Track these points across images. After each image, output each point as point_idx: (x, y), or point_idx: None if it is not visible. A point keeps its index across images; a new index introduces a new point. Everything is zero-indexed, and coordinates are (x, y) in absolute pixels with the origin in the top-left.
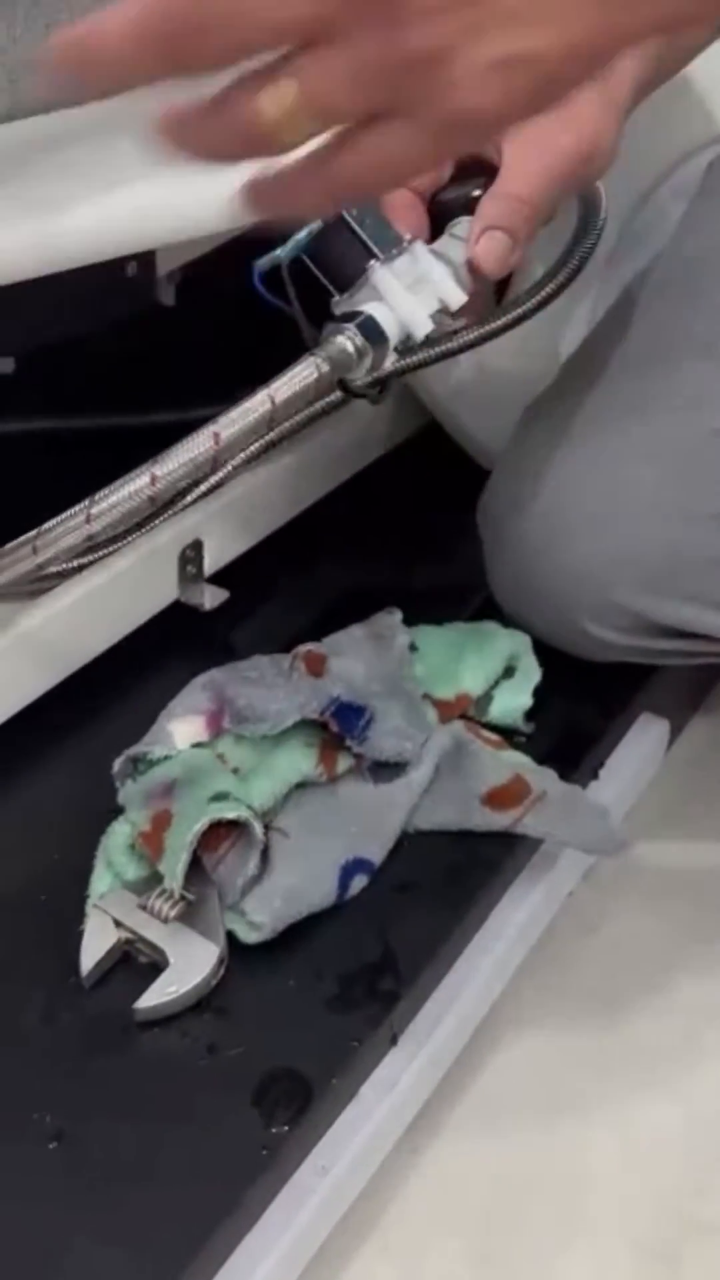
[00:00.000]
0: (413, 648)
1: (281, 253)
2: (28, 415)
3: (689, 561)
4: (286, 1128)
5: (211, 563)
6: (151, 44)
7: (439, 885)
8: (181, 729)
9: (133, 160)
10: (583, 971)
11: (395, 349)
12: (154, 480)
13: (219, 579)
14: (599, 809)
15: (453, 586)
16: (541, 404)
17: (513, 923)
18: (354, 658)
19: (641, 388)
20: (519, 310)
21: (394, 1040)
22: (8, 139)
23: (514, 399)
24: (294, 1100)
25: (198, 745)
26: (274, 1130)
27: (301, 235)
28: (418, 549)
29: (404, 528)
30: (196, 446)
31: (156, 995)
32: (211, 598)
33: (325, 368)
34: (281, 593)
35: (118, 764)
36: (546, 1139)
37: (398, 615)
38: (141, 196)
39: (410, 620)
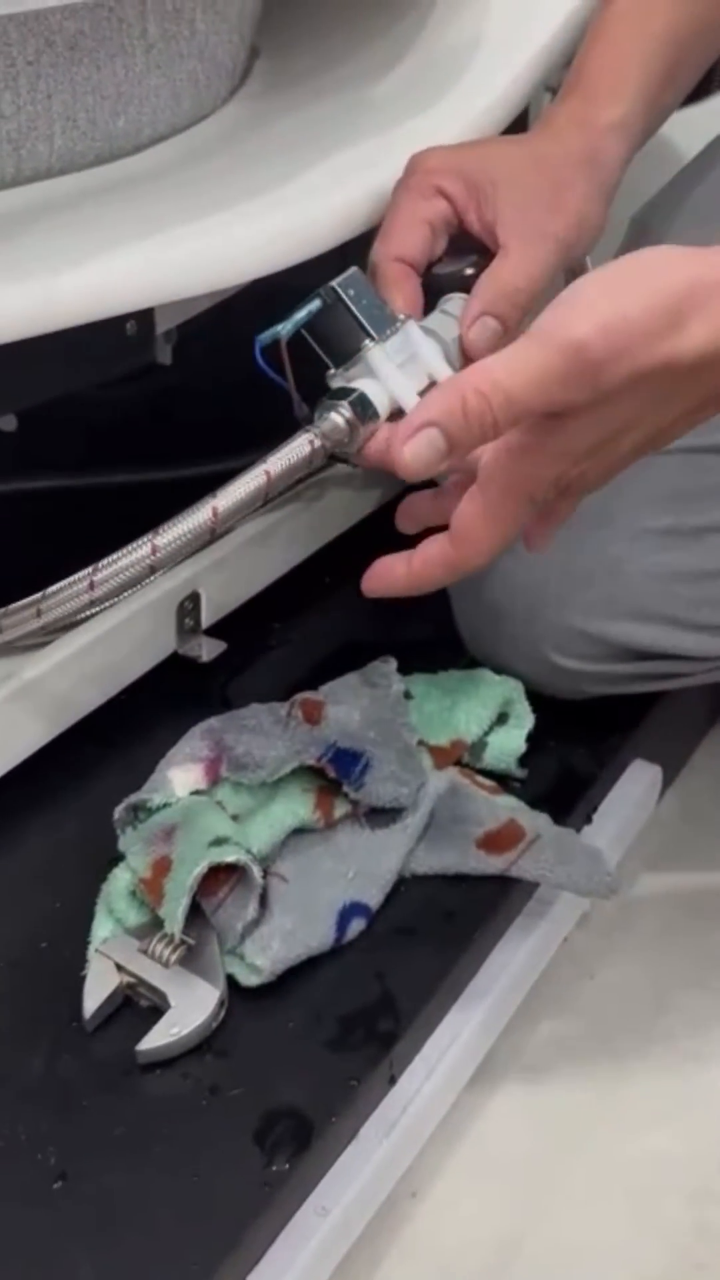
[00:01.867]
0: (408, 695)
1: (282, 329)
2: (26, 473)
3: (636, 578)
4: (287, 1166)
5: (209, 615)
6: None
7: (436, 929)
8: (180, 776)
9: (129, 221)
10: (580, 1015)
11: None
12: (155, 550)
13: (216, 631)
14: (593, 852)
15: (446, 636)
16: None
17: (509, 966)
18: (350, 705)
19: None
20: None
21: (393, 1080)
22: (11, 203)
23: None
24: (294, 1139)
25: (196, 793)
26: (275, 1169)
27: (302, 314)
28: (412, 600)
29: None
30: (196, 518)
31: (158, 1038)
32: (209, 649)
33: (319, 443)
34: (278, 644)
35: (118, 812)
36: (546, 1183)
37: (393, 664)
38: (137, 256)
39: (405, 669)
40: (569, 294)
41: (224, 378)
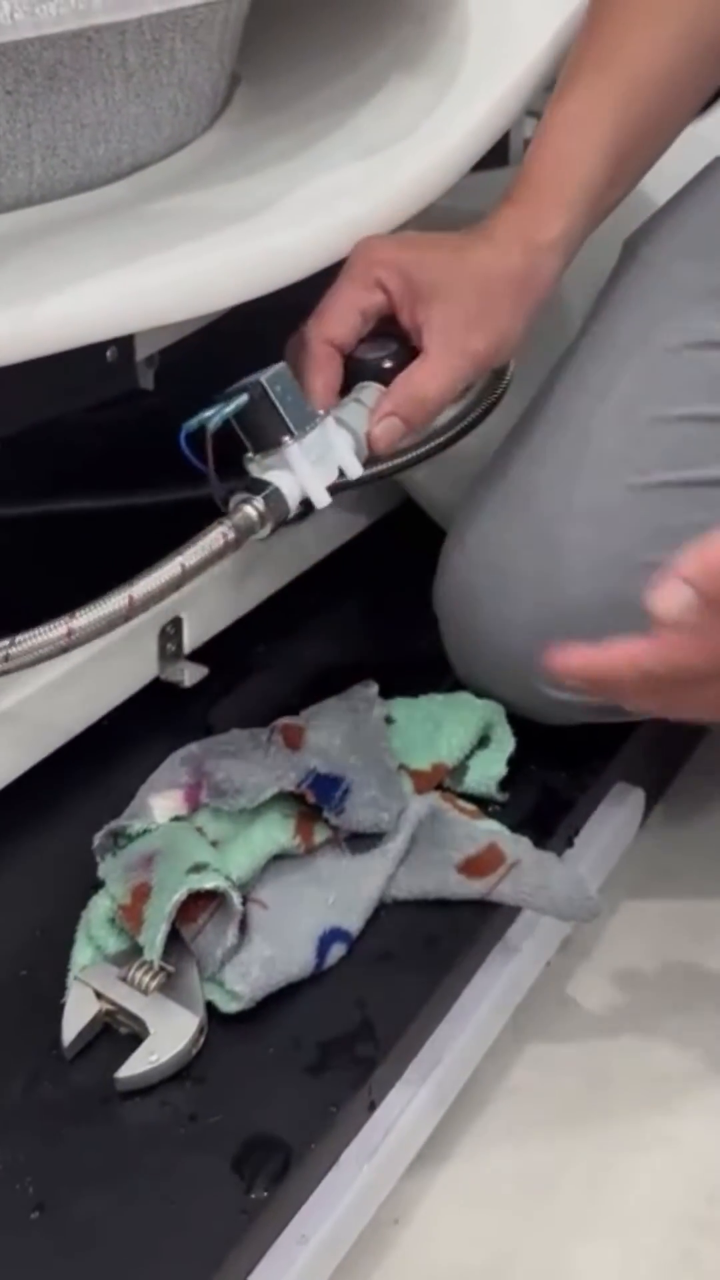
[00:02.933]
0: (389, 719)
1: (209, 420)
2: (4, 500)
3: (631, 613)
4: (266, 1193)
5: (191, 640)
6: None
7: (417, 954)
8: (160, 803)
9: (109, 248)
10: (563, 1040)
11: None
12: (70, 633)
13: (198, 656)
14: (573, 876)
15: (427, 660)
16: (480, 478)
17: (491, 991)
18: (331, 730)
19: (567, 452)
20: (425, 447)
21: (373, 1106)
22: None
23: (469, 463)
24: (274, 1167)
25: (176, 819)
26: (254, 1196)
27: (230, 408)
28: (393, 624)
29: (379, 603)
30: (113, 603)
31: (137, 1065)
32: (191, 674)
33: (232, 535)
34: (260, 668)
35: (98, 838)
36: (528, 1208)
37: (374, 688)
38: (116, 283)
39: (386, 693)
40: None
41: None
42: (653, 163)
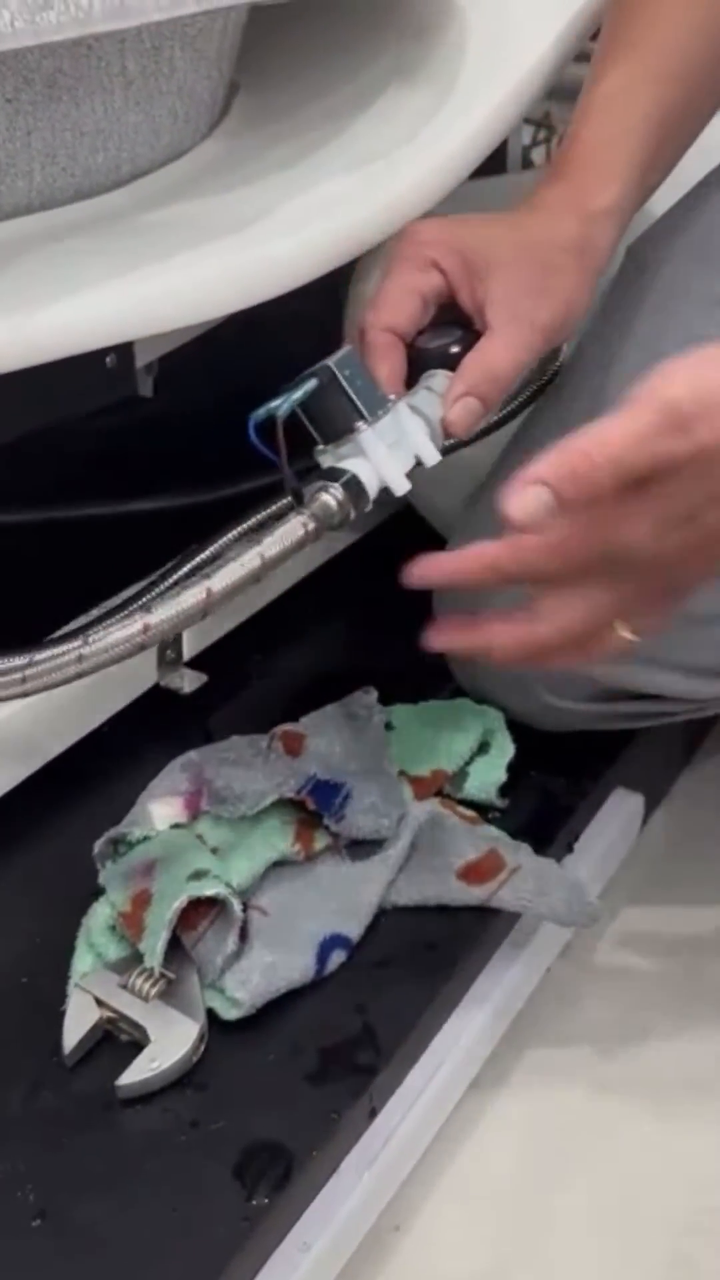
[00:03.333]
0: (388, 726)
1: (279, 407)
2: (4, 507)
3: None
4: (267, 1200)
5: (190, 647)
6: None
7: (417, 960)
8: (160, 810)
9: (108, 256)
10: (563, 1046)
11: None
12: (146, 629)
13: (198, 663)
14: (573, 881)
15: (427, 667)
16: (484, 486)
17: (491, 997)
18: (331, 737)
19: None
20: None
21: (374, 1113)
22: None
23: (470, 473)
24: (275, 1174)
25: (176, 826)
26: (255, 1203)
27: (299, 393)
28: (392, 630)
29: (379, 610)
30: (189, 599)
31: (138, 1072)
32: (191, 681)
33: (311, 525)
34: (260, 675)
35: (98, 846)
36: (531, 1215)
37: (374, 695)
38: (116, 290)
39: (386, 700)
40: (656, 370)
41: (205, 409)
42: (686, 148)
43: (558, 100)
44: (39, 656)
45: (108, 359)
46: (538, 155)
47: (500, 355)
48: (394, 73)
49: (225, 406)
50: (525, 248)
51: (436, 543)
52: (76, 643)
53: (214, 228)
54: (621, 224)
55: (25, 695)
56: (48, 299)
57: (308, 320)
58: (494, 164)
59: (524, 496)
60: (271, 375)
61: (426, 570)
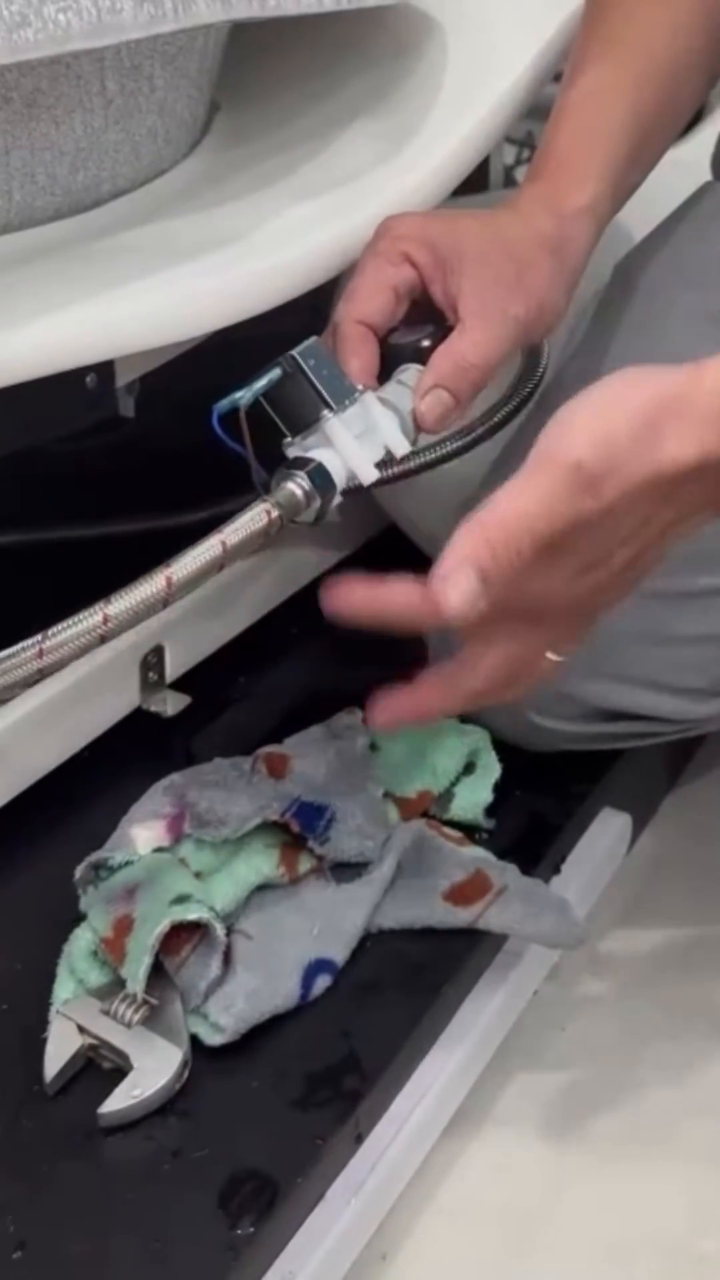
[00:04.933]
0: (373, 747)
1: (241, 397)
2: None
3: (621, 642)
4: (252, 1229)
5: (173, 669)
6: None
7: (403, 984)
8: (143, 834)
9: (88, 275)
10: (551, 1069)
11: (341, 493)
12: (106, 620)
13: (181, 685)
14: (560, 902)
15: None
16: (472, 501)
17: (478, 1021)
18: (315, 758)
19: None
20: (450, 448)
21: (359, 1139)
22: None
23: (457, 490)
24: (260, 1202)
25: (159, 850)
26: (240, 1232)
27: (262, 382)
28: (377, 651)
29: (363, 631)
30: (149, 588)
31: (121, 1100)
32: (174, 704)
33: (275, 513)
34: (243, 697)
35: (80, 871)
36: (517, 1241)
37: (358, 715)
38: (95, 309)
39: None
40: (561, 416)
41: (186, 429)
42: (664, 150)
43: (539, 119)
44: None
45: (88, 378)
46: (520, 174)
47: (471, 348)
48: (374, 92)
49: (205, 427)
50: (498, 243)
51: (421, 563)
52: (36, 638)
53: (194, 246)
54: (598, 223)
55: None
56: (26, 318)
57: (289, 339)
58: (476, 182)
59: (458, 587)
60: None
61: (350, 600)
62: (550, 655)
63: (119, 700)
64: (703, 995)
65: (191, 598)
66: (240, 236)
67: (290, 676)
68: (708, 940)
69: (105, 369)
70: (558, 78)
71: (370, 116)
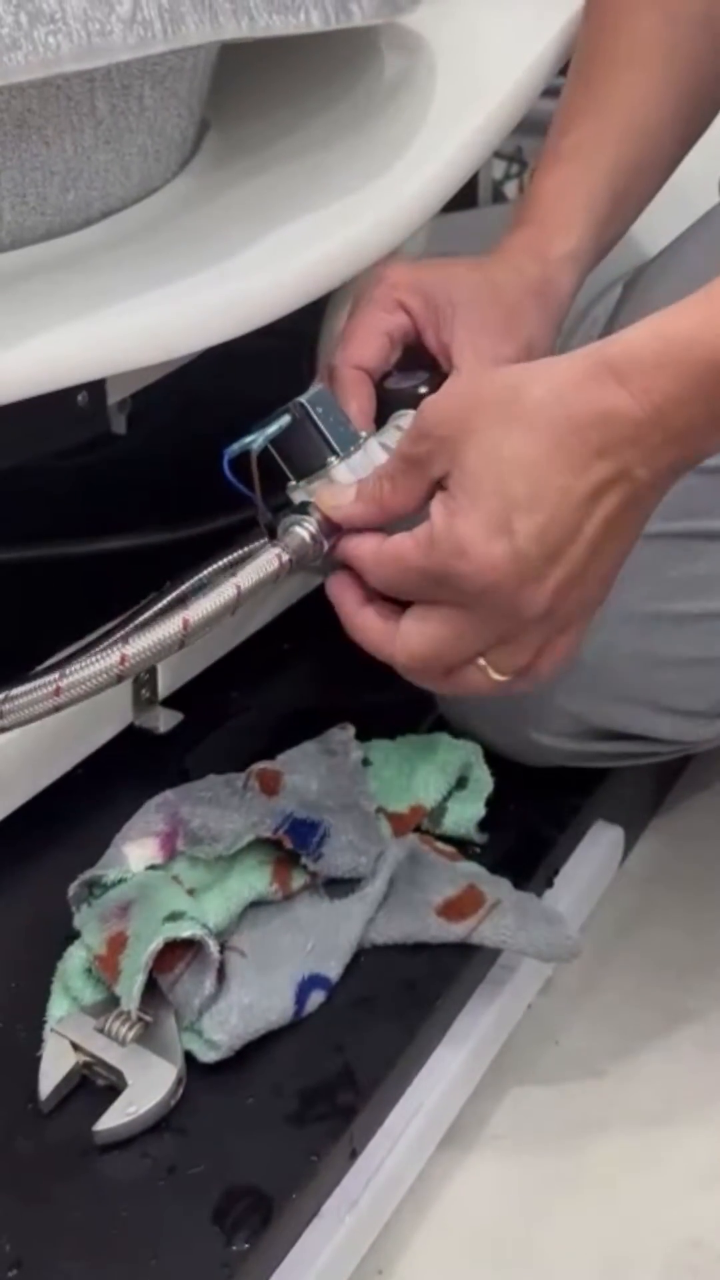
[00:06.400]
0: (366, 762)
1: (252, 442)
2: None
3: (625, 662)
4: (247, 1245)
5: (165, 686)
6: None
7: (397, 999)
8: (136, 851)
9: (78, 294)
10: (546, 1083)
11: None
12: (124, 660)
13: (173, 702)
14: (554, 915)
15: (404, 702)
16: None
17: (473, 1035)
18: (308, 774)
19: None
20: None
21: (354, 1154)
22: None
23: None
24: (255, 1218)
25: (152, 867)
26: (235, 1249)
27: (273, 428)
28: (369, 667)
29: (355, 646)
30: (167, 629)
31: (115, 1117)
32: (166, 721)
33: (286, 557)
34: (236, 713)
35: (73, 889)
36: (516, 1255)
37: (350, 731)
38: (86, 328)
39: (363, 736)
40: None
41: (178, 445)
42: (646, 203)
43: (528, 135)
44: (15, 691)
45: (79, 397)
46: (510, 189)
47: None
48: (363, 109)
49: (198, 443)
50: (489, 290)
51: None
52: (54, 675)
53: (185, 264)
54: (581, 270)
55: (3, 730)
56: (17, 337)
57: (280, 356)
58: (465, 198)
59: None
60: (244, 410)
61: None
62: (493, 673)
63: (111, 717)
64: (697, 1008)
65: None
66: (230, 254)
67: (282, 693)
68: (701, 953)
69: (97, 387)
70: (546, 93)
71: (359, 134)
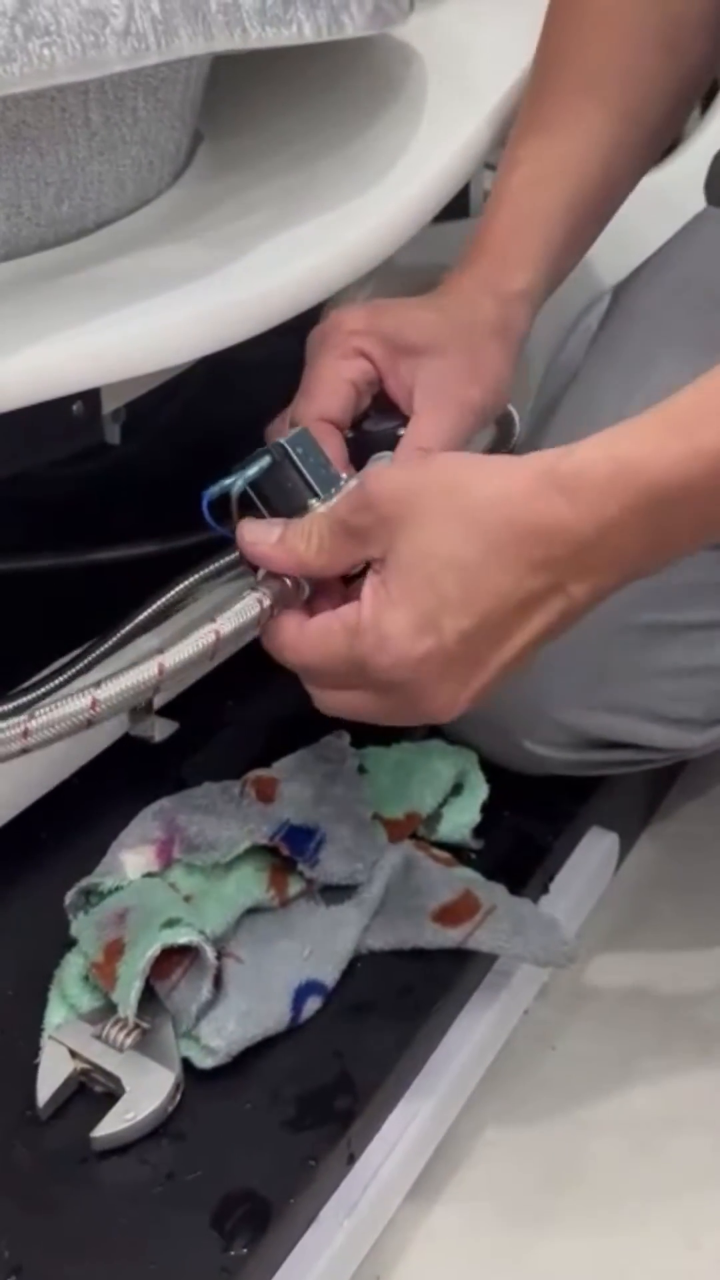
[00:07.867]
0: (361, 769)
1: (233, 484)
2: None
3: (617, 672)
4: (246, 1250)
5: (161, 695)
6: None
7: (393, 1004)
8: (132, 859)
9: (73, 304)
10: (543, 1088)
11: None
12: (94, 704)
13: (169, 710)
14: (549, 920)
15: None
16: None
17: (469, 1041)
18: (303, 781)
19: None
20: None
21: (352, 1159)
22: None
23: None
24: (253, 1223)
25: (149, 875)
26: (233, 1254)
27: (253, 470)
28: None
29: None
30: (141, 674)
31: (113, 1123)
32: (161, 730)
33: (268, 602)
34: (231, 722)
35: (70, 896)
36: (511, 1261)
37: (346, 738)
38: (80, 338)
39: (358, 743)
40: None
41: (171, 456)
42: (597, 235)
43: None
44: None
45: (74, 406)
46: None
47: (435, 439)
48: (355, 121)
49: (191, 453)
50: (450, 330)
51: None
52: (22, 718)
53: (179, 274)
54: (534, 306)
55: None
56: (12, 347)
57: (274, 366)
58: (457, 208)
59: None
60: (238, 420)
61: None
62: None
63: (107, 727)
64: (693, 1012)
65: (179, 620)
66: (224, 265)
67: (277, 700)
68: (697, 957)
69: (91, 397)
70: None
71: (351, 145)
